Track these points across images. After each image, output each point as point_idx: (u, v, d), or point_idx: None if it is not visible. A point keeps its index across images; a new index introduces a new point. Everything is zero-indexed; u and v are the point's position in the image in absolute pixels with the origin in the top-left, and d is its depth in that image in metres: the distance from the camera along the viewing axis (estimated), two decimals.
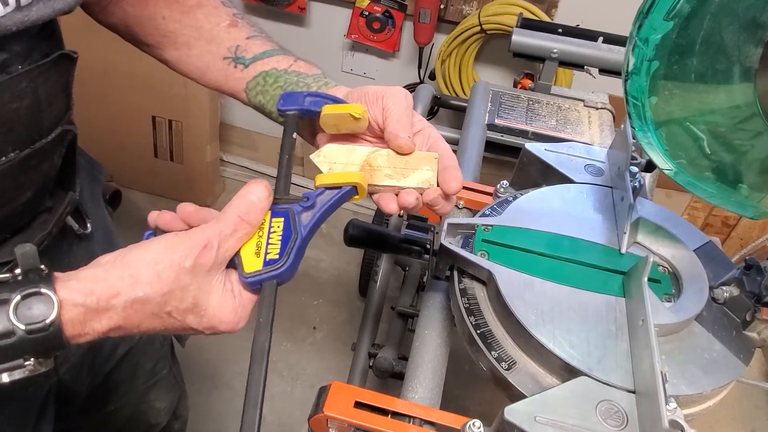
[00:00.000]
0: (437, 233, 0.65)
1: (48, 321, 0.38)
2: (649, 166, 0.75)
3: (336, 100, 0.55)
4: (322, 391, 0.59)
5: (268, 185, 0.47)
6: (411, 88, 1.69)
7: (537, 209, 0.70)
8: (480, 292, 0.63)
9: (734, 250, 1.90)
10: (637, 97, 0.49)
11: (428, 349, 0.67)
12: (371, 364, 1.02)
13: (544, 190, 0.73)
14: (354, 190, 0.51)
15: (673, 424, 0.46)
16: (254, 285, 0.45)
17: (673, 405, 0.48)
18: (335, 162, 0.53)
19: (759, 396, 1.75)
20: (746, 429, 1.67)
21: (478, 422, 0.54)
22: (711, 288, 0.62)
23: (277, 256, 0.45)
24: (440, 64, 1.77)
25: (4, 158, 0.49)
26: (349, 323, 1.81)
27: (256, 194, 0.46)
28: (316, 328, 1.81)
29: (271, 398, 1.62)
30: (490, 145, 1.05)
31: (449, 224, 0.66)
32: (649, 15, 0.45)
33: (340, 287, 1.91)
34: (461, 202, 0.79)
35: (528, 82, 1.23)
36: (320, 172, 0.53)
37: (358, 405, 0.58)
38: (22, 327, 0.37)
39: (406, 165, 0.53)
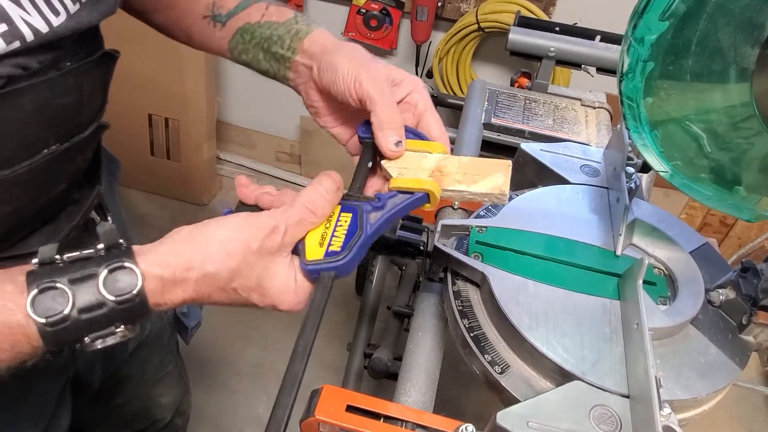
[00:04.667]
0: (432, 234, 0.65)
1: (135, 292, 0.41)
2: (645, 167, 0.74)
3: (418, 135, 0.54)
4: (314, 395, 0.58)
5: (339, 179, 0.48)
6: None
7: (532, 210, 0.69)
8: (474, 294, 0.63)
9: (732, 249, 1.89)
10: (632, 98, 0.48)
11: (421, 351, 0.67)
12: (366, 365, 1.01)
13: (540, 191, 0.72)
14: (426, 197, 0.51)
15: (667, 429, 0.45)
16: (312, 273, 0.46)
17: (667, 410, 0.47)
18: (405, 167, 0.53)
19: (757, 397, 1.74)
20: (744, 430, 1.66)
21: (470, 426, 0.54)
22: (707, 290, 0.62)
23: (339, 249, 0.46)
24: (437, 63, 1.77)
25: (46, 150, 0.51)
26: (346, 323, 1.80)
27: (325, 187, 0.47)
28: None
29: (270, 397, 1.62)
30: (487, 145, 1.05)
31: (443, 225, 0.65)
32: (644, 15, 0.45)
33: (337, 286, 1.89)
34: (456, 203, 0.78)
35: (525, 81, 1.22)
36: (391, 176, 0.52)
37: (350, 409, 0.57)
38: (112, 298, 0.40)
39: (477, 171, 0.52)
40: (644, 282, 0.61)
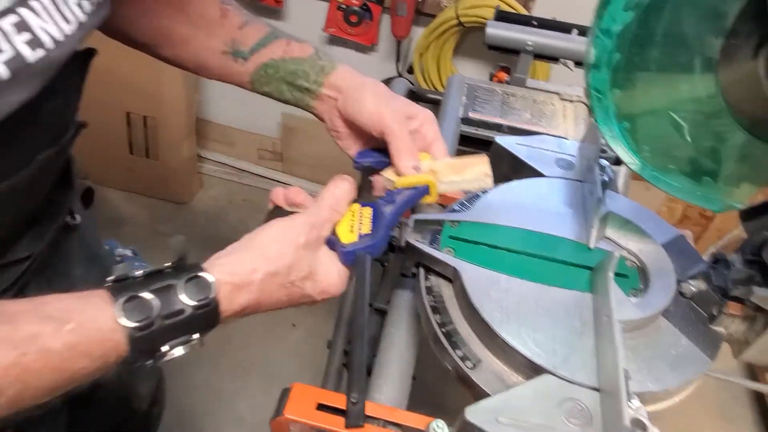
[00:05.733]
0: (405, 228, 0.64)
1: (211, 297, 0.45)
2: (620, 160, 0.74)
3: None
4: (284, 394, 0.58)
5: (352, 180, 0.57)
6: (388, 82, 1.67)
7: (506, 204, 0.69)
8: (446, 290, 0.62)
9: (711, 242, 1.91)
10: (599, 90, 0.48)
11: (395, 348, 0.66)
12: (344, 363, 1.01)
13: (514, 185, 0.72)
14: (427, 189, 0.59)
15: (635, 422, 0.45)
16: (350, 255, 0.54)
17: (636, 403, 0.47)
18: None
19: (735, 386, 1.76)
20: (723, 419, 1.68)
21: (441, 422, 0.53)
22: (679, 282, 0.62)
23: (369, 231, 0.55)
24: (418, 58, 1.76)
25: (40, 156, 0.53)
26: (328, 321, 1.79)
27: (342, 188, 0.56)
28: (295, 325, 1.79)
29: (251, 396, 1.61)
30: (465, 140, 1.04)
31: (416, 220, 0.65)
32: (608, 5, 0.44)
33: None
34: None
35: (504, 76, 1.21)
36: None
37: (321, 407, 0.57)
38: (192, 304, 0.44)
39: (463, 165, 0.61)
40: (616, 274, 0.62)
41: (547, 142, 0.81)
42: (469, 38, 1.75)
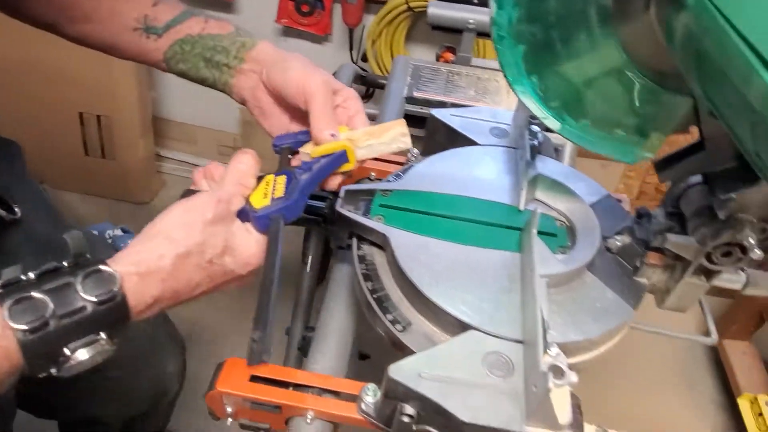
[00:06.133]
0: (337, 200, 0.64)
1: (115, 290, 0.42)
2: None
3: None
4: (218, 368, 0.57)
5: (254, 153, 0.57)
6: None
7: (438, 173, 0.70)
8: (379, 257, 0.62)
9: None
10: (504, 45, 0.48)
11: (333, 320, 0.66)
12: (299, 347, 1.01)
13: (446, 154, 0.72)
14: (344, 155, 0.59)
15: (553, 368, 0.46)
16: (263, 220, 0.53)
17: (555, 350, 0.47)
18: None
19: (696, 349, 1.81)
20: (685, 381, 1.72)
21: (372, 386, 0.54)
22: (605, 238, 0.63)
23: (282, 195, 0.54)
24: (371, 45, 1.76)
25: None
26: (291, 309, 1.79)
27: (245, 162, 0.56)
28: None
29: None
30: (410, 118, 1.04)
31: (346, 191, 0.65)
32: None
33: (284, 277, 1.89)
34: (373, 174, 0.78)
35: (450, 56, 1.22)
36: None
37: (254, 379, 0.57)
38: (93, 299, 0.41)
39: (380, 130, 0.61)
40: (545, 234, 0.63)
41: (482, 112, 0.81)
42: (420, 23, 1.76)
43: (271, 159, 0.63)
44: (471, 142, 0.76)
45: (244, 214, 0.54)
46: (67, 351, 0.41)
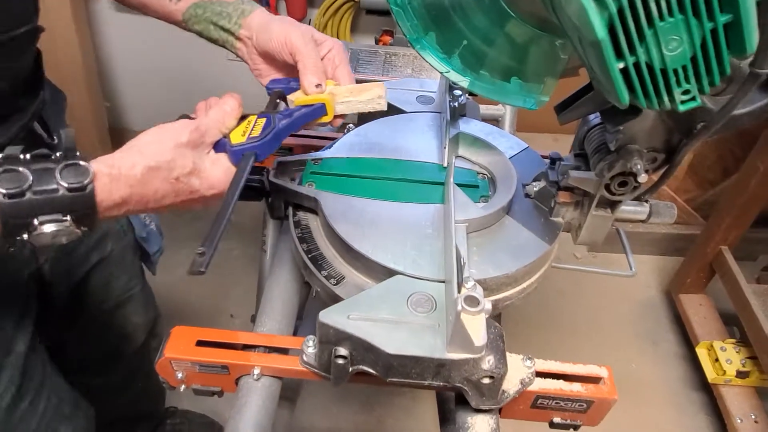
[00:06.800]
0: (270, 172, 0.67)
1: (85, 182, 0.48)
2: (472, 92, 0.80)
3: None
4: (166, 337, 0.60)
5: (239, 97, 0.61)
6: None
7: (367, 140, 0.73)
8: (313, 222, 0.66)
9: None
10: (400, 5, 0.52)
11: (277, 284, 0.69)
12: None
13: (373, 123, 0.76)
14: (323, 108, 0.63)
15: (468, 299, 0.50)
16: (237, 154, 0.57)
17: (470, 283, 0.51)
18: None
19: (658, 312, 1.88)
20: (649, 338, 1.79)
21: (312, 337, 0.57)
22: (524, 186, 0.67)
23: (257, 135, 0.58)
24: None
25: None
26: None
27: (229, 104, 0.60)
28: (234, 315, 1.80)
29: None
30: None
31: (278, 162, 0.68)
32: None
33: (255, 273, 1.91)
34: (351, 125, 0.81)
35: (388, 39, 1.26)
36: None
37: (201, 343, 0.59)
38: (65, 185, 0.47)
39: (361, 89, 0.64)
40: (468, 186, 0.67)
41: (409, 83, 0.85)
42: (365, 14, 1.79)
43: None
44: (399, 111, 0.80)
45: (221, 147, 0.58)
46: (36, 221, 0.48)
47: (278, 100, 0.66)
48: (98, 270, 0.94)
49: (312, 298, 1.01)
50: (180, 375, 0.60)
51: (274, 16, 0.69)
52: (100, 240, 0.92)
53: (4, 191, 0.46)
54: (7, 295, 0.75)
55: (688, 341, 1.73)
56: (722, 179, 1.90)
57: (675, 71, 0.33)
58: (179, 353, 0.58)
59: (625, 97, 0.35)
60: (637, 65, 0.33)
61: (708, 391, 1.59)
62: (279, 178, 0.67)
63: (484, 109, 1.01)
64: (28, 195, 0.47)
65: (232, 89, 0.63)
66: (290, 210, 0.67)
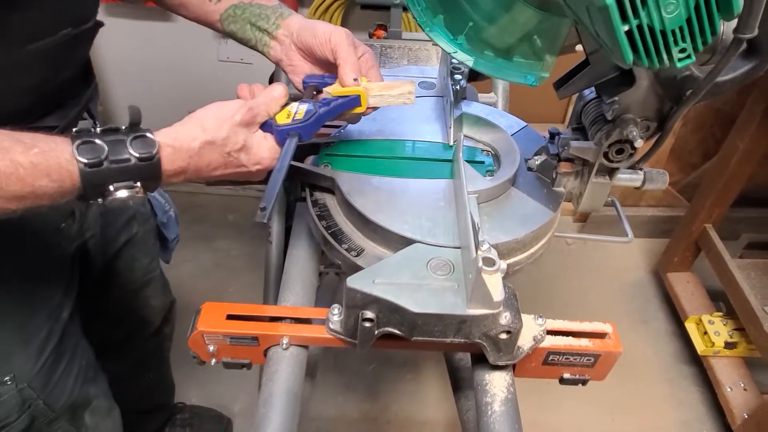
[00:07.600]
0: None
1: (153, 152, 0.54)
2: (473, 74, 0.84)
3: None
4: (197, 313, 0.63)
5: (285, 86, 0.66)
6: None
7: (376, 124, 0.77)
8: (330, 200, 0.70)
9: (639, 200, 2.09)
10: None
11: (297, 263, 0.73)
12: None
13: (380, 109, 0.80)
14: (358, 99, 0.68)
15: (485, 259, 0.54)
16: (282, 134, 0.63)
17: (486, 245, 0.55)
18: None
19: (648, 291, 1.94)
20: (639, 319, 1.85)
21: (337, 306, 0.61)
22: (526, 160, 0.72)
23: (301, 118, 0.64)
24: None
25: (64, 31, 0.64)
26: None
27: (277, 91, 0.65)
28: None
29: (199, 384, 1.63)
30: None
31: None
32: None
33: (254, 271, 1.93)
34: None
35: (381, 33, 1.30)
36: None
37: (231, 317, 0.63)
38: (137, 155, 0.53)
39: (392, 86, 0.69)
40: (474, 162, 0.71)
41: (410, 70, 0.90)
42: (356, 9, 1.83)
43: None
44: None
45: (267, 127, 0.63)
46: (111, 187, 0.53)
47: (314, 92, 0.71)
48: (125, 250, 1.00)
49: (319, 288, 1.05)
50: (211, 348, 0.63)
51: (313, 21, 0.75)
52: (128, 221, 0.97)
53: (85, 161, 0.51)
54: (58, 267, 0.81)
55: (677, 319, 1.79)
56: (704, 162, 1.97)
57: (673, 32, 0.38)
58: (212, 327, 0.62)
59: (630, 57, 0.39)
60: (639, 27, 0.37)
61: (698, 364, 1.66)
62: (297, 163, 0.70)
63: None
64: (106, 164, 0.52)
65: (224, 90, 0.68)
66: (307, 191, 0.71)
